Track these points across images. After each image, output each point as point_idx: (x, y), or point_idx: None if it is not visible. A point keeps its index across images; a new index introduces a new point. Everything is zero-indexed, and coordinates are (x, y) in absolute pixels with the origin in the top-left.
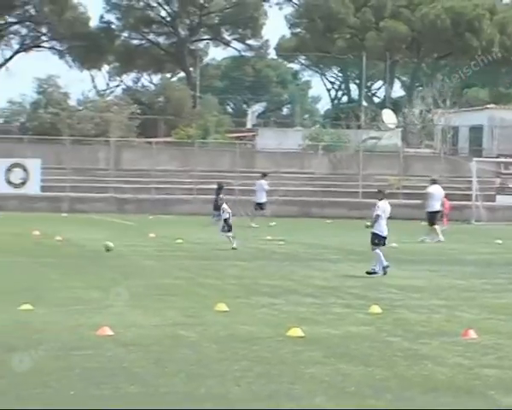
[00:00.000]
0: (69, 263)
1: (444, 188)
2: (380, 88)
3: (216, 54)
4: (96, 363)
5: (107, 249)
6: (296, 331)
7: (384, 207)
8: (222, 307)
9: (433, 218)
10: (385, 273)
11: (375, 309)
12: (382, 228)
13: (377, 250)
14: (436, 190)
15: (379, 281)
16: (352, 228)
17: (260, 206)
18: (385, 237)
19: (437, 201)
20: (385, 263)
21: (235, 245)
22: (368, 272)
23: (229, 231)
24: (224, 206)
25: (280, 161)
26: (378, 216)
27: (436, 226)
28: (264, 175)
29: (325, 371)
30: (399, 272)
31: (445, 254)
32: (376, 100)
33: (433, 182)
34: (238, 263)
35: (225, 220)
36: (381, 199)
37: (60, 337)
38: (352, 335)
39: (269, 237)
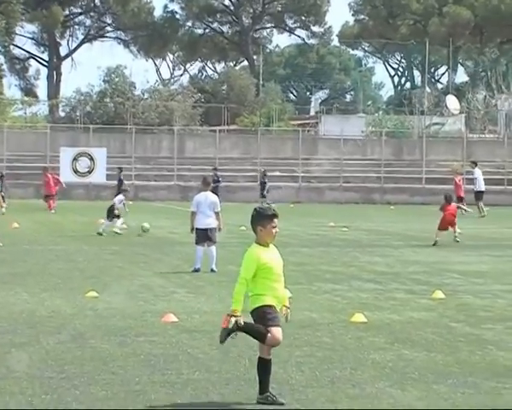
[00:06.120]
0: (133, 251)
1: (508, 173)
2: (443, 74)
3: (279, 41)
4: (161, 349)
5: (144, 230)
6: (359, 317)
7: None
8: None
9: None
10: None
11: (438, 295)
12: None
13: None
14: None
15: (441, 267)
16: (415, 214)
17: (482, 194)
18: None
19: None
20: None
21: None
22: None
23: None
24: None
25: (342, 148)
26: None
27: None
28: (475, 163)
29: (388, 357)
30: (462, 258)
31: (510, 239)
32: (440, 86)
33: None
34: (300, 249)
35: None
36: None
37: (125, 324)
38: (414, 320)
39: (332, 224)
